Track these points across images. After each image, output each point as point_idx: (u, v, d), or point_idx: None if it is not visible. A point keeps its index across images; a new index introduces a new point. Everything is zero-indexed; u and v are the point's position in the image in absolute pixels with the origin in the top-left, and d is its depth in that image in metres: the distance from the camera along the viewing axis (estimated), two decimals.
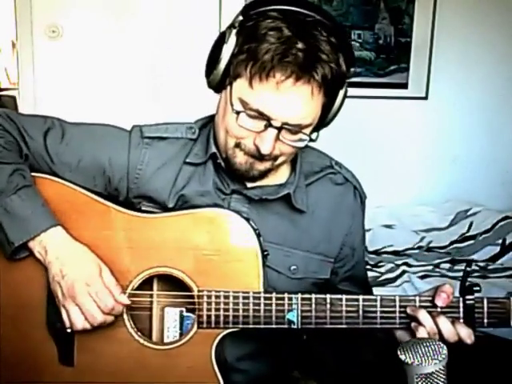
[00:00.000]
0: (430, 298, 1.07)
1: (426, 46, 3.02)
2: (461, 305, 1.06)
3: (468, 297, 1.05)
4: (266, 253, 1.11)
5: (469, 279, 1.08)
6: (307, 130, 1.09)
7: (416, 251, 2.70)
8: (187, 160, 1.18)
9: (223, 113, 1.11)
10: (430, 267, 2.50)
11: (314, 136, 1.11)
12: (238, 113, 1.06)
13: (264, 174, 1.14)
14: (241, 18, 1.07)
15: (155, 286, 1.13)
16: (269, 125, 1.05)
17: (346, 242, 1.23)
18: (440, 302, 1.05)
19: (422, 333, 1.02)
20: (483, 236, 2.73)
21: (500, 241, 2.69)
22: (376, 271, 2.44)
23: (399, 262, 2.54)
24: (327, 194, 1.22)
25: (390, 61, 3.03)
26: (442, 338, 1.03)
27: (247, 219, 1.11)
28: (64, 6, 2.84)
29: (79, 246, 1.09)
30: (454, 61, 3.05)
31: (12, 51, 4.98)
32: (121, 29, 2.88)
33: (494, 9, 3.03)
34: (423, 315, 1.04)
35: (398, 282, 2.34)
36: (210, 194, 1.16)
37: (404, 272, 2.41)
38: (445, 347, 0.90)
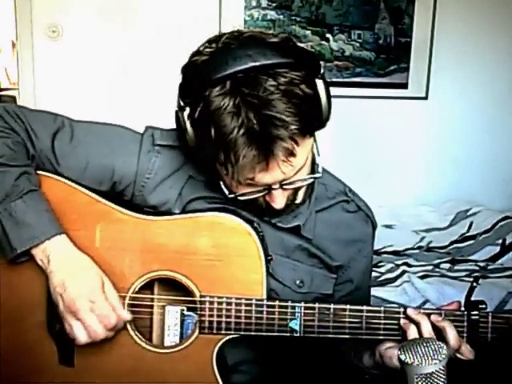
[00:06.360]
0: (430, 311, 1.07)
1: (426, 46, 3.02)
2: (465, 319, 1.05)
3: (473, 312, 1.05)
4: (269, 257, 1.09)
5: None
6: (306, 165, 1.02)
7: (416, 251, 2.70)
8: (191, 174, 1.14)
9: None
10: (430, 267, 2.49)
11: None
12: (234, 197, 1.04)
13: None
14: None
15: (156, 289, 1.12)
16: (270, 188, 1.01)
17: (349, 267, 1.21)
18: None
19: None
20: (483, 236, 2.72)
21: (500, 241, 2.68)
22: (376, 271, 2.44)
23: (399, 262, 2.53)
24: (337, 221, 1.19)
25: (389, 61, 3.03)
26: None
27: (251, 222, 1.09)
28: (64, 6, 2.84)
29: (82, 257, 1.06)
30: (454, 61, 3.05)
31: (12, 51, 4.97)
32: (121, 28, 2.88)
33: (494, 9, 3.03)
34: (449, 329, 1.03)
35: (398, 281, 2.33)
36: (218, 199, 1.11)
37: (404, 272, 2.40)
38: (445, 347, 0.90)
